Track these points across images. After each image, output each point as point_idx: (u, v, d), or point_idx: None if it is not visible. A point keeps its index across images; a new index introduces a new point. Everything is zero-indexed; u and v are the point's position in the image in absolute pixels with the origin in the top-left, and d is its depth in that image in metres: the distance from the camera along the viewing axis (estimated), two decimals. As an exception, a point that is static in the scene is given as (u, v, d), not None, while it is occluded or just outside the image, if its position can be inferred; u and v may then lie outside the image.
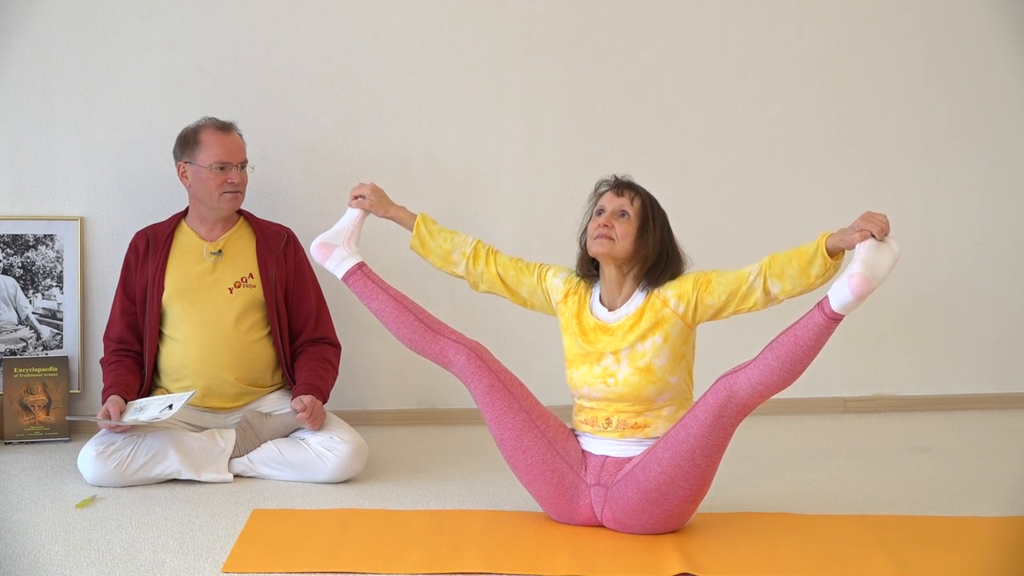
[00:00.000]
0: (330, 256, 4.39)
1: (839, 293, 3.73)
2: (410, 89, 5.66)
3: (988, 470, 4.95)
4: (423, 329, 4.24)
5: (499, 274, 4.30)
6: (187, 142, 4.95)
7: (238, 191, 4.91)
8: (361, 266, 4.36)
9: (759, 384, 3.83)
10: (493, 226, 5.68)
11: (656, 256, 4.10)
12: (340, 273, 4.37)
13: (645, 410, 4.07)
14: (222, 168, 4.88)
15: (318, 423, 4.73)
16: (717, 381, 3.92)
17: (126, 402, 4.74)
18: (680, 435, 3.93)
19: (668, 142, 5.82)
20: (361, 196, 4.50)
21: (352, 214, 4.48)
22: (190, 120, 5.02)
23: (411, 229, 4.41)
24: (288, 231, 5.10)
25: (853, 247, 3.79)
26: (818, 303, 3.80)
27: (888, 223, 3.81)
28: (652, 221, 4.11)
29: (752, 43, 5.85)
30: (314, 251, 4.42)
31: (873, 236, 3.77)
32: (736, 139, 5.88)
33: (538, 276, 4.28)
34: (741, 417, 3.91)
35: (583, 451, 4.15)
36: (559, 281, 4.25)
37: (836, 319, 3.76)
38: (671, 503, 3.98)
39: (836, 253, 3.86)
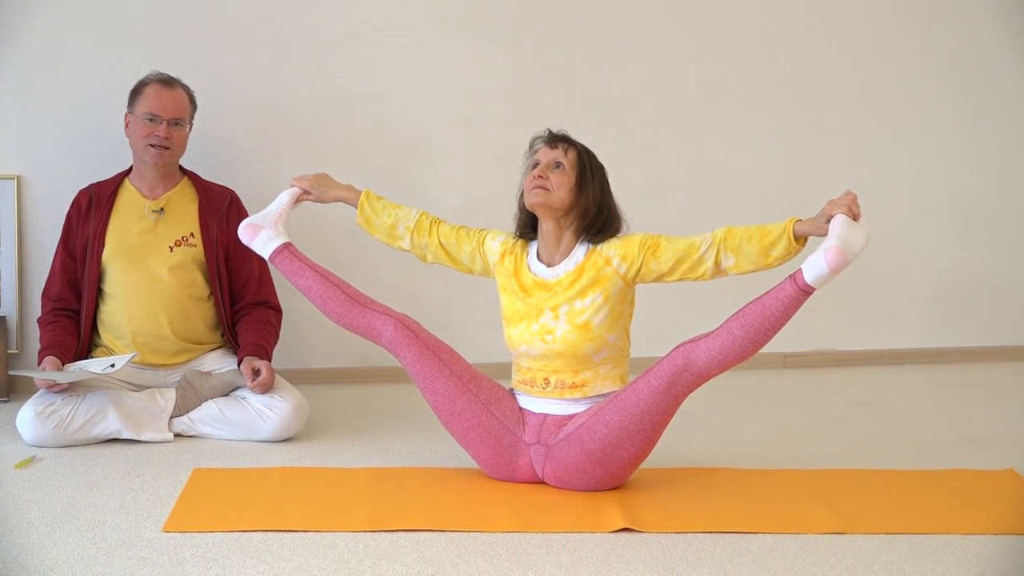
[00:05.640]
0: (256, 237, 4.36)
1: (814, 266, 3.73)
2: (353, 46, 5.63)
3: (927, 425, 5.00)
4: (350, 303, 4.23)
5: (442, 244, 4.29)
6: (133, 92, 4.95)
7: (164, 146, 4.88)
8: (287, 246, 4.33)
9: (719, 353, 3.84)
10: (436, 185, 5.68)
11: (596, 208, 4.09)
12: (266, 253, 4.35)
13: (583, 368, 4.07)
14: (151, 119, 4.87)
15: (267, 390, 4.74)
16: (675, 348, 3.92)
17: (63, 364, 4.71)
18: (630, 398, 3.94)
19: (609, 101, 5.81)
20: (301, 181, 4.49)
21: (283, 198, 4.45)
22: (128, 78, 5.00)
23: (357, 207, 4.40)
24: (231, 192, 5.08)
25: (824, 233, 3.79)
26: (790, 275, 3.80)
27: (856, 200, 3.83)
28: (590, 172, 4.11)
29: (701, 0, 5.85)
30: (241, 232, 4.40)
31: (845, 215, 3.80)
32: (678, 97, 5.88)
33: (477, 241, 4.27)
34: (694, 387, 3.92)
35: (521, 409, 4.16)
36: (496, 244, 4.25)
37: (808, 292, 3.76)
38: (614, 464, 3.99)
39: (801, 238, 3.88)
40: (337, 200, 4.47)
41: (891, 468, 4.38)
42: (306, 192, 4.47)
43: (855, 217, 3.81)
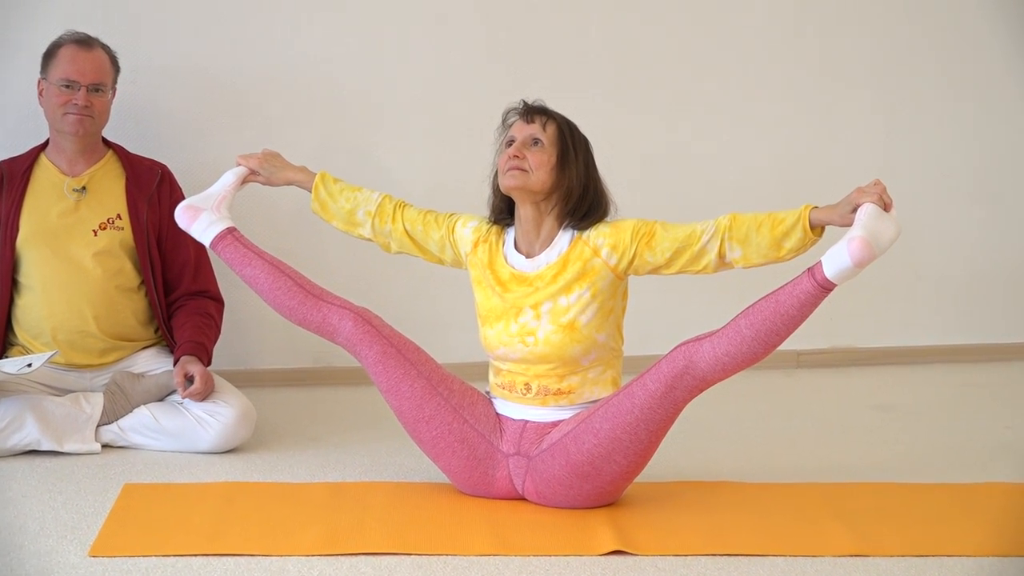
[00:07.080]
0: (196, 220, 4.35)
1: (835, 258, 3.68)
2: (309, 5, 5.59)
3: (956, 431, 5.01)
4: (303, 295, 4.21)
5: (407, 230, 4.27)
6: (46, 56, 4.92)
7: (84, 114, 4.85)
8: (231, 231, 4.32)
9: (725, 355, 3.80)
10: (400, 164, 5.68)
11: (581, 189, 4.06)
12: (207, 239, 4.33)
13: (569, 373, 4.04)
14: (67, 86, 4.84)
15: (205, 397, 4.71)
16: (675, 348, 3.89)
17: (-25, 365, 4.67)
18: (624, 404, 3.91)
19: (594, 65, 5.80)
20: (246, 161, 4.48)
21: (228, 178, 4.45)
22: (46, 40, 4.96)
23: (311, 191, 4.39)
24: (163, 168, 5.05)
25: (846, 224, 3.77)
26: (808, 269, 3.77)
27: (886, 190, 3.81)
28: (572, 149, 4.08)
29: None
30: (178, 215, 4.38)
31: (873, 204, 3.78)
32: (674, 62, 5.87)
33: (447, 228, 4.24)
34: (696, 392, 3.90)
35: (498, 416, 4.13)
36: (468, 231, 4.22)
37: (827, 288, 3.73)
38: (603, 479, 3.97)
39: (818, 227, 3.85)
40: (289, 183, 4.46)
41: (917, 482, 4.37)
42: (254, 173, 4.47)
43: (886, 207, 3.78)
